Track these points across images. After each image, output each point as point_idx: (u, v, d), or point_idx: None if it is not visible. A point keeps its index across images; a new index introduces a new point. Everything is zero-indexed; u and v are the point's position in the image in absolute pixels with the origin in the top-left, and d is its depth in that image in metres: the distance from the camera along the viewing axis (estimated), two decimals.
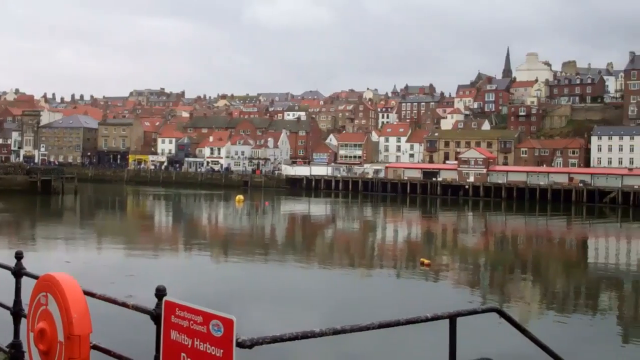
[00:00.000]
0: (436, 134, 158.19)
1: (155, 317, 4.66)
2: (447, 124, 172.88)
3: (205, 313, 4.19)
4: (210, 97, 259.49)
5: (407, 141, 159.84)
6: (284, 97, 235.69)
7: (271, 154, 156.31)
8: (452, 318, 5.18)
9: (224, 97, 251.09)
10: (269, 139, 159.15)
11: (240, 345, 4.04)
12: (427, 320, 5.02)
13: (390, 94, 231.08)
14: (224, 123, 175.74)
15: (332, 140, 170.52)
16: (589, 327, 26.97)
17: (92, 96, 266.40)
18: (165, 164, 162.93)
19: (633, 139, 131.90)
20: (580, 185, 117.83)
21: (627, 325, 27.99)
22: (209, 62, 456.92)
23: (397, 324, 4.84)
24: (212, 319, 4.13)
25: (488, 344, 19.07)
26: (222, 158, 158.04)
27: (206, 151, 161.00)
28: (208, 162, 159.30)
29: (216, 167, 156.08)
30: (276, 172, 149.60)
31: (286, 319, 24.42)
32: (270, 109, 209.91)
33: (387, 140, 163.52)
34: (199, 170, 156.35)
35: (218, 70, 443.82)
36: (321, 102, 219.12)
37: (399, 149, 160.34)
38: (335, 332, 4.49)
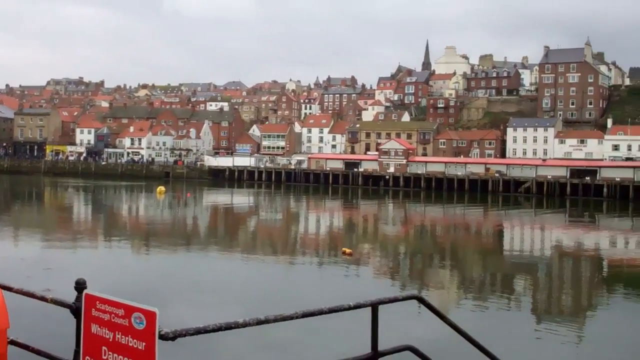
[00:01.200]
0: (357, 126, 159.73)
1: (75, 310, 4.56)
2: (368, 115, 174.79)
3: (126, 306, 4.14)
4: (130, 87, 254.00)
5: (329, 132, 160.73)
6: (207, 88, 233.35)
7: (193, 145, 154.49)
8: (374, 306, 5.22)
9: (144, 86, 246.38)
10: (191, 129, 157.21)
11: (163, 337, 4.01)
12: (349, 308, 5.05)
13: (312, 86, 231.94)
14: (144, 113, 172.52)
15: (255, 131, 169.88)
16: (506, 312, 27.82)
17: (7, 85, 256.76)
18: (84, 154, 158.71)
19: (547, 130, 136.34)
20: (497, 175, 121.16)
21: (541, 309, 29.01)
22: (130, 52, 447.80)
23: (321, 312, 4.88)
24: (134, 311, 4.08)
25: (410, 331, 19.47)
26: (143, 149, 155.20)
27: (126, 142, 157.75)
28: (128, 153, 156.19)
29: (137, 158, 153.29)
30: (198, 163, 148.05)
31: (211, 310, 24.30)
32: (193, 99, 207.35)
33: (309, 131, 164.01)
34: (119, 161, 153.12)
35: (139, 59, 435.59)
36: (244, 93, 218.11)
37: (321, 140, 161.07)
38: (259, 322, 4.49)
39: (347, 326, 17.15)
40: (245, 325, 4.39)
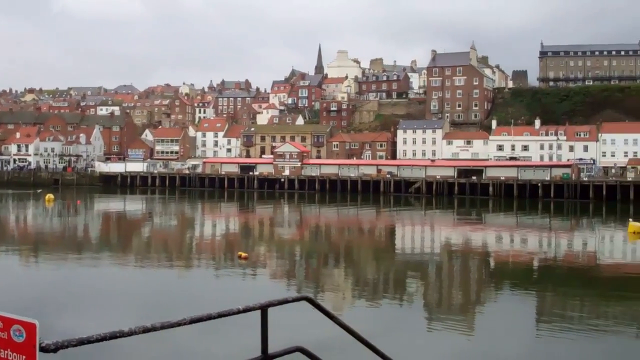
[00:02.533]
0: (252, 129, 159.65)
1: None
2: (262, 118, 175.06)
3: (5, 318, 4.00)
4: (16, 91, 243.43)
5: (224, 136, 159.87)
6: (97, 92, 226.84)
7: (83, 151, 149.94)
8: (264, 309, 5.23)
9: (31, 91, 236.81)
10: (81, 134, 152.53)
11: (44, 350, 3.92)
12: (239, 312, 5.01)
13: (206, 89, 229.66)
14: (31, 118, 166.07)
15: (148, 135, 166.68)
16: (399, 309, 28.60)
17: None
18: None
19: (435, 132, 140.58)
20: (388, 176, 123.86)
21: (433, 306, 29.99)
22: (15, 54, 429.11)
23: (209, 318, 4.79)
24: (13, 324, 3.97)
25: (302, 333, 19.82)
26: (30, 155, 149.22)
27: (13, 148, 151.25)
28: (15, 160, 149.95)
29: (24, 165, 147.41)
30: (89, 169, 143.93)
31: (101, 319, 23.84)
32: (82, 104, 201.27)
33: (204, 135, 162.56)
34: (5, 168, 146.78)
35: (25, 62, 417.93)
36: (136, 97, 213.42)
37: (216, 143, 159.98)
38: (146, 330, 4.38)
39: (242, 330, 17.41)
40: (130, 334, 4.26)
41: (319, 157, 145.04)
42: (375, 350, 5.84)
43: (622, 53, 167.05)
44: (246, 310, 5.07)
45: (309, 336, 18.13)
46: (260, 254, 45.30)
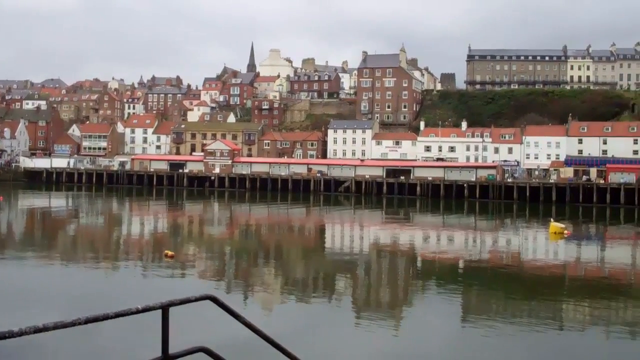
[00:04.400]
0: (183, 126, 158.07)
1: None
2: (193, 116, 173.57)
3: None
4: None
5: (153, 132, 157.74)
6: (23, 85, 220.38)
7: (8, 145, 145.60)
8: (165, 308, 5.05)
9: None
10: (5, 129, 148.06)
11: None
12: (138, 312, 4.81)
13: (136, 85, 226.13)
14: None
15: (75, 131, 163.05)
16: (327, 307, 28.84)
17: None
18: None
19: (365, 132, 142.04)
20: (318, 175, 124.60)
21: (361, 304, 30.36)
22: None
23: (106, 317, 4.59)
24: None
25: (211, 333, 20.00)
26: None
27: None
28: None
29: None
30: (13, 164, 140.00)
31: (20, 320, 23.49)
32: (7, 97, 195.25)
33: (133, 131, 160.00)
34: None
35: None
36: (63, 91, 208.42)
37: (145, 140, 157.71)
38: (37, 331, 4.20)
39: (147, 330, 17.47)
40: (21, 334, 4.06)
41: (250, 155, 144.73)
42: (281, 350, 5.71)
43: (547, 58, 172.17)
44: (145, 310, 4.86)
45: (216, 336, 18.30)
46: (187, 253, 45.07)
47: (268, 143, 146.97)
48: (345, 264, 42.49)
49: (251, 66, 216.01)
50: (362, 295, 32.88)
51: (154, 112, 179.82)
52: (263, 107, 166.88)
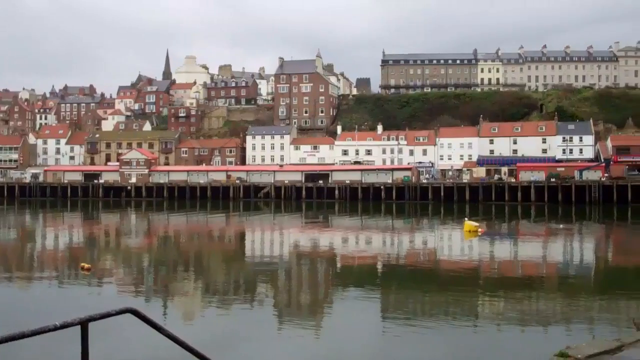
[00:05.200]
0: (97, 136, 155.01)
1: None
2: (108, 125, 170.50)
3: None
4: None
5: (67, 143, 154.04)
6: None
7: None
8: (84, 324, 4.88)
9: None
10: None
11: None
12: (56, 329, 4.64)
13: (48, 95, 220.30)
14: None
15: None
16: (248, 314, 28.84)
17: None
18: None
19: (283, 137, 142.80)
20: (237, 182, 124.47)
21: (281, 309, 30.51)
22: None
23: (23, 336, 4.42)
24: None
25: (133, 347, 19.91)
26: None
27: None
28: None
29: None
30: None
31: None
32: None
33: (45, 142, 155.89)
34: None
35: None
36: None
37: (58, 151, 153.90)
38: None
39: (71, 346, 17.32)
40: None
41: (167, 163, 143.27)
42: None
43: (458, 62, 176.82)
44: (64, 326, 4.69)
45: (139, 350, 18.23)
46: (105, 265, 44.36)
47: (186, 151, 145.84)
48: (265, 269, 42.63)
49: (167, 73, 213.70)
50: (283, 300, 33.08)
51: (67, 122, 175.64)
52: (180, 115, 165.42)
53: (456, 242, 59.22)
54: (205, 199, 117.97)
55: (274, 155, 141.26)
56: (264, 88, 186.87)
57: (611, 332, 22.12)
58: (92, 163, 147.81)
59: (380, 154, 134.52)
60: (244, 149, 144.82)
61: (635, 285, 36.17)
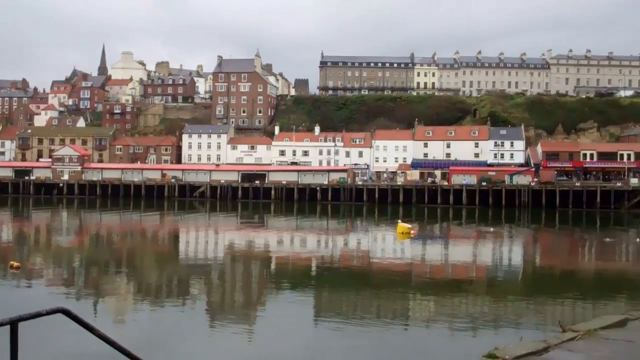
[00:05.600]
0: (29, 131, 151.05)
1: None
2: (40, 120, 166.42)
3: None
4: None
5: None
6: None
7: None
8: (13, 324, 4.80)
9: None
10: None
11: None
12: None
13: None
14: None
15: None
16: (181, 315, 28.85)
17: None
18: None
19: (220, 137, 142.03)
20: (173, 181, 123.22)
21: (216, 308, 30.57)
22: None
23: None
24: None
25: (64, 347, 19.72)
26: None
27: None
28: None
29: None
30: None
31: None
32: None
33: None
34: None
35: None
36: None
37: None
38: None
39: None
40: None
41: (101, 161, 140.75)
42: None
43: (395, 65, 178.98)
44: None
45: (70, 350, 18.09)
46: (35, 264, 43.54)
47: (120, 148, 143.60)
48: (199, 269, 42.57)
49: (103, 69, 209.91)
50: (217, 300, 33.13)
51: None
52: (115, 112, 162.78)
53: (389, 244, 60.08)
54: (140, 198, 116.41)
55: (211, 155, 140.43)
56: (202, 86, 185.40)
57: (538, 334, 22.73)
58: (24, 159, 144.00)
59: (317, 155, 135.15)
60: (179, 148, 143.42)
61: (562, 288, 37.41)
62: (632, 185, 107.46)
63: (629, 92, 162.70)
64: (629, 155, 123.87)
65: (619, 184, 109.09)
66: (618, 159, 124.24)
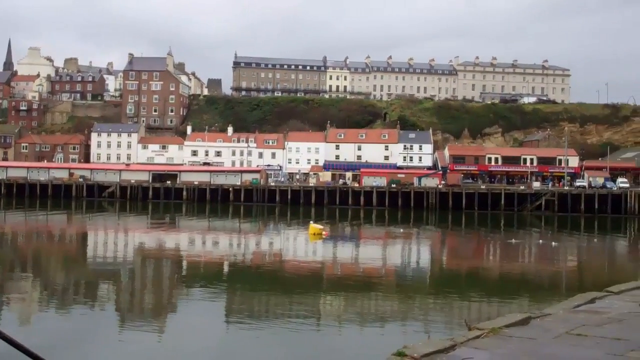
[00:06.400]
0: None
1: None
2: None
3: None
4: None
5: None
6: None
7: None
8: None
9: None
10: None
11: None
12: None
13: None
14: None
15: None
16: (89, 317, 28.36)
17: None
18: None
19: (130, 136, 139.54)
20: (81, 180, 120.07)
21: (124, 311, 30.15)
22: None
23: None
24: None
25: None
26: None
27: None
28: None
29: None
30: None
31: None
32: None
33: None
34: None
35: None
36: None
37: None
38: None
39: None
40: None
41: (5, 159, 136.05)
42: None
43: (308, 68, 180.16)
44: None
45: None
46: None
47: (26, 146, 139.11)
48: (108, 271, 41.85)
49: (8, 64, 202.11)
50: (126, 302, 32.66)
51: None
52: (21, 108, 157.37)
53: (301, 245, 60.56)
54: (46, 198, 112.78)
55: (120, 154, 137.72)
56: (112, 84, 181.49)
57: (445, 332, 23.52)
58: None
59: (230, 156, 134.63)
60: (88, 147, 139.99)
61: (468, 287, 38.70)
62: (535, 188, 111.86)
63: (532, 99, 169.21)
64: (531, 160, 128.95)
65: (522, 187, 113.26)
66: (521, 163, 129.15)
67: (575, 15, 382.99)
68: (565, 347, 8.76)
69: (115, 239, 63.32)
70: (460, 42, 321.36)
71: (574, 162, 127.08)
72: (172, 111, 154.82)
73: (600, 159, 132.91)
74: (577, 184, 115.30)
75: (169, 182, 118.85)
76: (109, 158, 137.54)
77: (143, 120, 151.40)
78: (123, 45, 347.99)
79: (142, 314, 29.58)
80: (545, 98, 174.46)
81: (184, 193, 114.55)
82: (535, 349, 8.68)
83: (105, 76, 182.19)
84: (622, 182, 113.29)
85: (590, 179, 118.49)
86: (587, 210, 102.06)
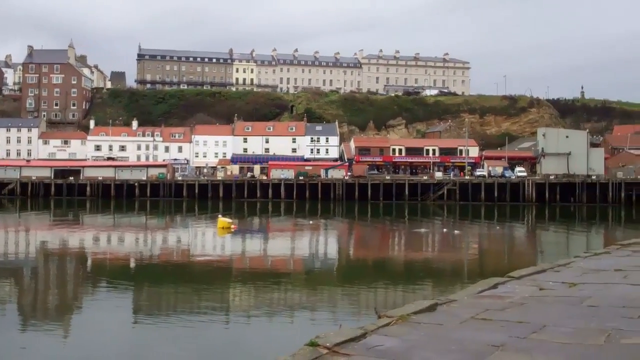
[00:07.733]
0: None
1: None
2: None
3: None
4: None
5: None
6: None
7: None
8: None
9: None
10: None
11: None
12: None
13: None
14: None
15: None
16: None
17: None
18: None
19: (30, 131, 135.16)
20: None
21: (26, 313, 29.26)
22: None
23: None
24: None
25: None
26: None
27: None
28: None
29: None
30: None
31: None
32: None
33: None
34: None
35: None
36: None
37: None
38: None
39: None
40: None
41: None
42: None
43: (214, 60, 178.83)
44: None
45: None
46: None
47: None
48: (8, 271, 40.63)
49: None
50: (28, 302, 31.75)
51: None
52: None
53: (209, 239, 60.46)
54: None
55: (21, 150, 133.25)
56: (11, 77, 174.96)
57: (355, 321, 23.97)
58: None
59: (135, 150, 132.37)
60: None
61: (375, 276, 39.56)
62: (437, 178, 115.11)
63: (434, 92, 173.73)
64: (434, 151, 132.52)
65: (425, 178, 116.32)
66: (424, 154, 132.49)
67: (475, 8, 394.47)
68: (471, 332, 9.07)
69: (15, 238, 61.38)
70: (364, 36, 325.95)
71: (474, 152, 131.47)
72: (74, 105, 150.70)
73: (499, 148, 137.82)
74: (477, 173, 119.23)
75: (71, 178, 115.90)
76: (8, 154, 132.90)
77: (44, 115, 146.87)
78: (22, 37, 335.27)
79: (45, 314, 28.87)
80: (446, 90, 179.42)
81: (88, 189, 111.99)
82: (444, 334, 8.97)
83: (3, 69, 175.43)
84: (520, 171, 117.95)
85: (490, 168, 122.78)
86: (487, 198, 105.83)
